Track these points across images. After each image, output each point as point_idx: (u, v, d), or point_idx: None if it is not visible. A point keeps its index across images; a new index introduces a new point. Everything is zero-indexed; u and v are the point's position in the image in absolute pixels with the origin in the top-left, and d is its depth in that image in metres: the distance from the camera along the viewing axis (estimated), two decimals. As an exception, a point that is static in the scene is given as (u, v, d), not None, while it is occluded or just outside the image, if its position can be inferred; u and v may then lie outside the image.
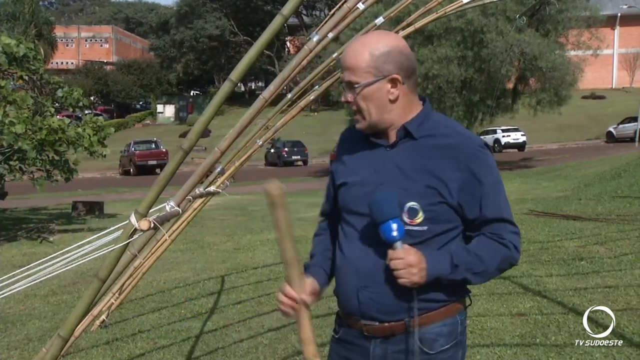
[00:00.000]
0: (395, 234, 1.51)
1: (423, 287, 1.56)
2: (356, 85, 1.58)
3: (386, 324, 1.60)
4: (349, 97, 1.61)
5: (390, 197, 1.55)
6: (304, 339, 1.52)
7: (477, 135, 1.70)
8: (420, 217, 1.57)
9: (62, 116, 12.36)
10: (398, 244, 1.52)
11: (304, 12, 52.06)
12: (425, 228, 1.57)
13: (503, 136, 31.05)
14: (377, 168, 1.63)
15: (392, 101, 1.61)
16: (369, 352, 1.65)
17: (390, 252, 1.53)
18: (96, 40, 71.22)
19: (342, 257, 1.68)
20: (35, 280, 1.85)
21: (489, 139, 31.27)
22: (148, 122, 53.10)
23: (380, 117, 1.61)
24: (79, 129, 9.57)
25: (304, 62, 1.83)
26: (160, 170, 1.59)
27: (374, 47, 1.58)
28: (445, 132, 1.62)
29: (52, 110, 9.87)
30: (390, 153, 1.63)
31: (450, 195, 1.57)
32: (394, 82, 1.59)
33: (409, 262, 1.51)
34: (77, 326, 1.55)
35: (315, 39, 1.79)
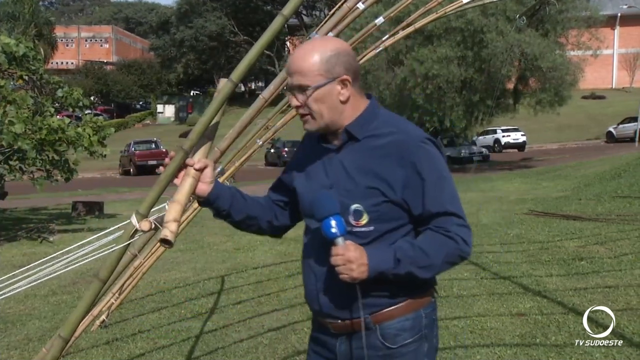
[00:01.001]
0: (334, 230, 1.54)
1: (377, 283, 1.58)
2: (308, 88, 1.59)
3: (347, 321, 1.64)
4: (300, 99, 1.62)
5: (329, 196, 1.58)
6: (176, 199, 1.53)
7: (422, 130, 1.70)
8: (365, 219, 1.60)
9: (62, 116, 12.35)
10: (339, 240, 1.54)
11: (304, 12, 52.04)
12: (371, 228, 1.61)
13: (503, 136, 31.06)
14: (327, 171, 1.67)
15: (343, 102, 1.63)
16: (335, 349, 1.71)
17: (332, 249, 1.56)
18: (96, 40, 71.19)
19: (303, 260, 1.75)
20: (35, 280, 1.85)
21: (489, 138, 31.30)
22: (148, 122, 53.09)
23: (332, 118, 1.63)
24: (79, 129, 9.57)
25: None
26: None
27: (323, 50, 1.60)
28: (389, 130, 1.64)
29: (52, 110, 9.86)
30: (338, 156, 1.66)
31: (394, 193, 1.59)
32: (344, 84, 1.62)
33: (347, 258, 1.53)
34: (77, 327, 1.55)
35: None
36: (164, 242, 1.48)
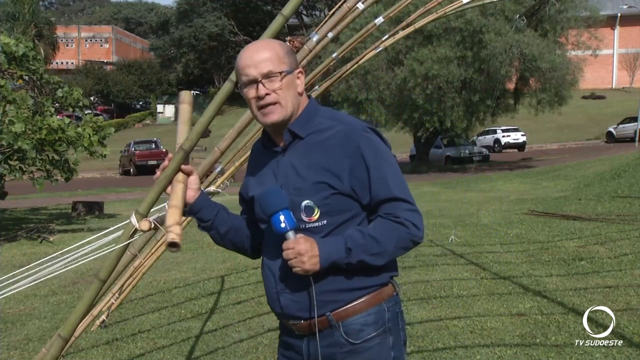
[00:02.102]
0: (283, 225, 1.55)
1: (333, 275, 1.59)
2: (281, 72, 1.60)
3: (311, 321, 1.64)
4: (267, 88, 1.60)
5: (275, 190, 1.59)
6: (172, 204, 1.55)
7: (364, 121, 1.72)
8: (316, 214, 1.61)
9: (62, 116, 12.35)
10: (290, 234, 1.56)
11: (304, 12, 52.02)
12: (324, 222, 1.62)
13: (503, 136, 31.06)
14: (276, 174, 1.68)
15: (300, 94, 1.67)
16: (302, 350, 1.70)
17: (283, 244, 1.57)
18: (96, 40, 71.15)
19: (263, 264, 1.75)
20: (35, 280, 1.85)
21: (489, 138, 31.30)
22: (148, 122, 53.05)
23: (293, 108, 1.65)
24: (79, 129, 9.57)
25: (304, 61, 1.83)
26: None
27: (278, 44, 1.64)
28: (330, 124, 1.65)
29: (52, 110, 9.86)
30: (285, 157, 1.67)
31: (342, 184, 1.60)
32: (300, 76, 1.66)
33: (298, 251, 1.54)
34: (77, 326, 1.55)
35: (315, 38, 1.79)
36: (172, 245, 1.48)
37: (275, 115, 1.63)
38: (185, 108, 1.64)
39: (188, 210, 1.68)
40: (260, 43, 1.64)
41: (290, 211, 1.58)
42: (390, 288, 1.69)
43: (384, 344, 1.65)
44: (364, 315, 1.63)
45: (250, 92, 1.62)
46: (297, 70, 1.64)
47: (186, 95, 1.64)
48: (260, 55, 1.60)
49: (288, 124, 1.65)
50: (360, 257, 1.58)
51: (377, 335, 1.64)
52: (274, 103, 1.62)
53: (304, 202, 1.61)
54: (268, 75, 1.60)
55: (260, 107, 1.62)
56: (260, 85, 1.60)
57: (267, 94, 1.61)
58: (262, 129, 1.80)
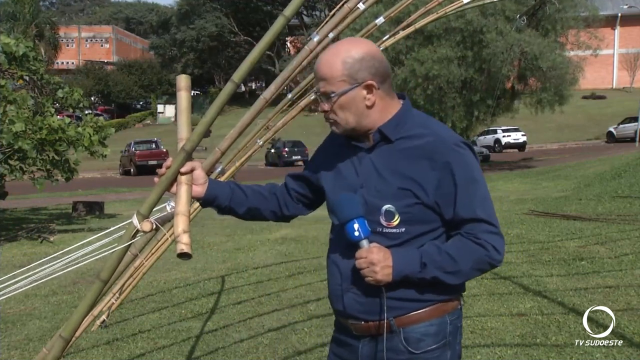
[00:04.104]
0: (357, 233, 1.53)
1: (404, 285, 1.56)
2: (332, 95, 1.58)
3: (371, 323, 1.62)
4: (326, 106, 1.61)
5: (352, 198, 1.57)
6: (179, 211, 1.50)
7: (456, 133, 1.67)
8: (396, 220, 1.57)
9: (63, 116, 12.36)
10: (364, 243, 1.53)
11: (304, 12, 52.00)
12: (402, 230, 1.58)
13: (503, 136, 31.08)
14: (357, 171, 1.65)
15: (369, 107, 1.61)
16: (357, 351, 1.67)
17: (357, 252, 1.54)
18: (96, 40, 71.17)
19: (328, 259, 1.71)
20: (35, 280, 1.85)
21: (489, 138, 31.30)
22: (148, 122, 53.06)
23: (358, 123, 1.62)
24: (79, 129, 9.58)
25: (305, 62, 1.83)
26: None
27: (347, 55, 1.57)
28: (422, 132, 1.61)
29: (52, 110, 9.87)
30: (369, 156, 1.64)
31: (427, 196, 1.56)
32: (369, 89, 1.59)
33: (371, 261, 1.51)
34: (79, 327, 1.55)
35: (316, 39, 1.79)
36: (183, 255, 1.47)
37: (336, 128, 1.64)
38: (183, 95, 1.58)
39: (202, 203, 1.69)
40: (330, 53, 1.60)
41: (367, 216, 1.56)
42: (456, 301, 1.68)
43: (441, 357, 1.63)
44: (426, 325, 1.60)
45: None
46: (365, 84, 1.58)
47: (183, 80, 1.57)
48: (322, 72, 1.59)
49: (361, 130, 1.63)
50: (435, 273, 1.55)
51: (437, 347, 1.61)
52: (332, 120, 1.63)
53: (385, 206, 1.57)
54: (323, 94, 1.60)
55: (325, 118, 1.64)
56: (321, 102, 1.62)
57: (325, 111, 1.62)
58: None
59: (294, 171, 1.88)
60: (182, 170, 1.54)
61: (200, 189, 1.65)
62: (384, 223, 1.58)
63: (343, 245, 1.64)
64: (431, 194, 1.56)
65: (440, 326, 1.62)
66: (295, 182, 1.84)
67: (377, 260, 1.51)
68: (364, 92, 1.59)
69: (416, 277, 1.55)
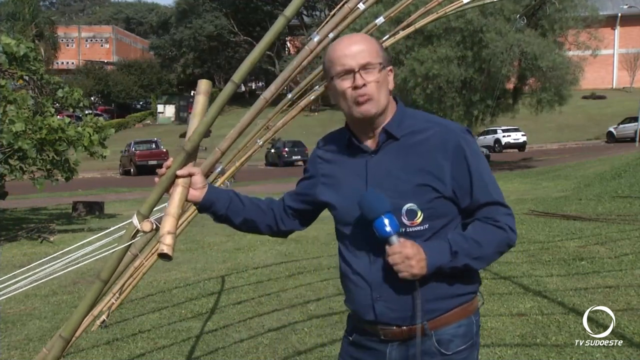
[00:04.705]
0: (388, 228, 1.50)
1: (436, 279, 1.56)
2: (380, 63, 1.57)
3: (404, 328, 1.60)
4: (366, 78, 1.55)
5: (376, 194, 1.54)
6: (168, 212, 1.50)
7: (458, 123, 1.69)
8: (420, 217, 1.56)
9: (62, 116, 12.36)
10: (394, 239, 1.51)
11: (305, 12, 52.00)
12: (426, 226, 1.57)
13: (503, 136, 31.08)
14: (365, 176, 1.62)
15: (390, 92, 1.63)
16: (385, 356, 1.65)
17: (387, 248, 1.52)
18: (96, 40, 71.15)
19: (349, 269, 1.67)
20: (35, 280, 1.85)
21: (489, 138, 31.30)
22: (148, 122, 53.04)
23: (384, 108, 1.60)
24: (79, 128, 9.58)
25: (305, 62, 1.83)
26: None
27: (373, 39, 1.61)
28: (426, 126, 1.61)
29: (52, 110, 9.87)
30: (375, 158, 1.62)
31: (445, 187, 1.57)
32: (390, 73, 1.63)
33: (406, 255, 1.50)
34: (78, 327, 1.55)
35: (316, 39, 1.79)
36: (163, 256, 1.46)
37: (370, 107, 1.57)
38: (200, 99, 1.56)
39: (199, 208, 1.67)
40: (356, 36, 1.61)
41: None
42: (477, 300, 1.69)
43: (470, 357, 1.64)
44: (455, 327, 1.61)
45: (345, 83, 1.57)
46: (389, 68, 1.61)
47: (203, 85, 1.55)
48: (358, 46, 1.56)
49: (377, 122, 1.61)
50: (465, 260, 1.55)
51: (465, 348, 1.63)
52: (370, 95, 1.56)
53: (407, 206, 1.56)
54: (365, 67, 1.56)
55: (356, 98, 1.57)
56: (358, 75, 1.55)
57: (364, 85, 1.56)
58: (327, 134, 1.75)
59: (291, 190, 1.84)
60: (179, 173, 1.53)
61: (198, 193, 1.62)
62: (407, 222, 1.56)
63: (363, 254, 1.62)
64: (448, 184, 1.57)
65: (468, 327, 1.64)
66: (292, 201, 1.81)
67: (412, 254, 1.50)
68: (390, 75, 1.61)
69: (448, 267, 1.55)
